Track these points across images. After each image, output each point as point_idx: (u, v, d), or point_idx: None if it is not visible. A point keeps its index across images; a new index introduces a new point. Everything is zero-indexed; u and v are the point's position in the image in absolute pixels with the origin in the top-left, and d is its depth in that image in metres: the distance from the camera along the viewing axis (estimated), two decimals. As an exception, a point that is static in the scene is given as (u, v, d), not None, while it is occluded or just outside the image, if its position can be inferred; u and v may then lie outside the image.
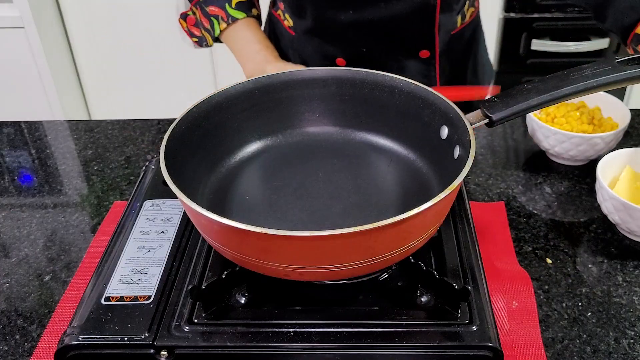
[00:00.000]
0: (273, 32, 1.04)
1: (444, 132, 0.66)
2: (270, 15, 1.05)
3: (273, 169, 0.72)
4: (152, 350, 0.55)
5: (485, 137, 0.98)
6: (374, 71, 0.72)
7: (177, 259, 0.64)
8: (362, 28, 0.91)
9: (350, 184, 0.69)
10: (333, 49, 0.95)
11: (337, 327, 0.56)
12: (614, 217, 0.75)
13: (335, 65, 0.95)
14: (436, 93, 0.66)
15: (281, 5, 0.98)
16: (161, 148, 0.60)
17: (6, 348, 0.65)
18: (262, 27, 1.06)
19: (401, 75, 0.69)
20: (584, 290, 0.70)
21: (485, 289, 0.59)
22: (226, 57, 1.10)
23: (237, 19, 0.95)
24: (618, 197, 0.72)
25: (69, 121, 1.09)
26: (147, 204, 0.72)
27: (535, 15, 1.87)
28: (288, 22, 0.97)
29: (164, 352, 0.55)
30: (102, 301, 0.59)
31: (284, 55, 1.01)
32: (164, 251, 0.65)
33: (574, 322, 0.66)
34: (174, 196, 0.54)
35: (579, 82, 0.61)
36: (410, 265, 0.60)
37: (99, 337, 0.55)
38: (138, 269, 0.62)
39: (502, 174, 0.90)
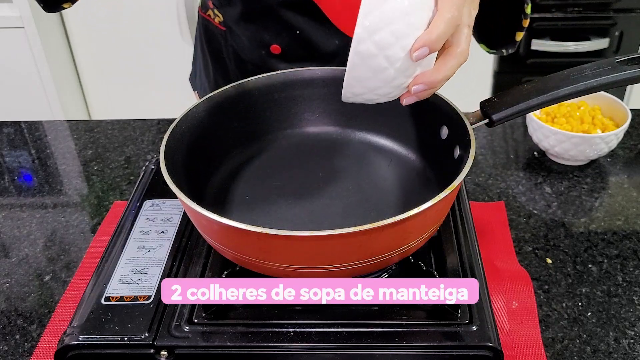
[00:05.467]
0: (205, 36, 1.02)
1: (444, 132, 0.66)
2: (200, 21, 1.03)
3: (273, 169, 0.72)
4: (152, 350, 0.55)
5: (485, 137, 0.98)
6: None
7: (177, 259, 0.64)
8: (292, 5, 0.89)
9: (350, 184, 0.69)
10: (267, 35, 0.93)
11: (337, 327, 0.56)
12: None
13: (271, 54, 0.93)
14: (436, 93, 0.66)
15: (210, 3, 0.97)
16: (161, 148, 0.60)
17: (6, 348, 0.65)
18: (194, 35, 1.03)
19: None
20: (584, 290, 0.69)
21: (485, 289, 0.59)
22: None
23: None
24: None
25: (69, 121, 1.09)
26: (147, 204, 0.72)
27: (535, 15, 1.87)
28: (218, 17, 0.95)
29: (164, 352, 0.55)
30: (102, 301, 0.59)
31: (218, 55, 0.99)
32: (164, 251, 0.64)
33: (574, 322, 0.66)
34: (174, 196, 0.54)
35: (579, 82, 0.61)
36: (410, 265, 0.60)
37: (99, 337, 0.55)
38: (138, 269, 0.62)
39: (502, 174, 0.90)
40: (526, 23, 0.75)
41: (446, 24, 0.50)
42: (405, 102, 0.56)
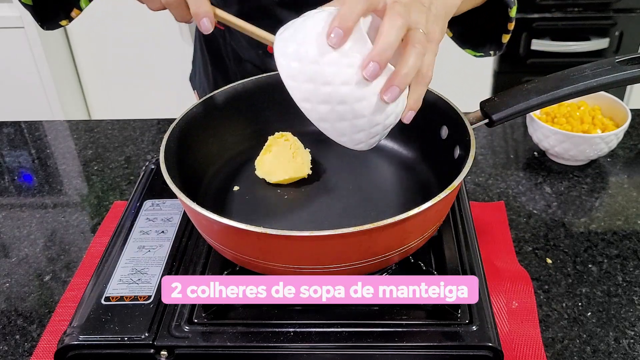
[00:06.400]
0: (205, 36, 1.00)
1: (444, 132, 0.66)
2: None
3: (273, 169, 0.72)
4: (152, 350, 0.55)
5: (485, 137, 0.98)
6: None
7: (177, 259, 0.64)
8: (288, 4, 0.89)
9: (350, 184, 0.69)
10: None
11: (337, 327, 0.56)
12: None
13: (268, 53, 0.91)
14: (436, 93, 0.66)
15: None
16: (161, 148, 0.60)
17: (6, 348, 0.65)
18: (194, 35, 1.02)
19: None
20: (584, 290, 0.69)
21: (485, 289, 0.59)
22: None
23: None
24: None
25: (69, 121, 1.09)
26: (147, 204, 0.72)
27: (535, 15, 1.87)
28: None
29: (164, 352, 0.55)
30: (102, 301, 0.59)
31: (218, 55, 0.99)
32: (164, 251, 0.64)
33: (574, 322, 0.66)
34: (174, 196, 0.54)
35: (579, 82, 0.61)
36: (410, 265, 0.60)
37: (99, 337, 0.55)
38: (138, 269, 0.62)
39: (502, 174, 0.90)
40: (511, 26, 0.74)
41: (395, 33, 0.48)
42: (406, 118, 0.53)
